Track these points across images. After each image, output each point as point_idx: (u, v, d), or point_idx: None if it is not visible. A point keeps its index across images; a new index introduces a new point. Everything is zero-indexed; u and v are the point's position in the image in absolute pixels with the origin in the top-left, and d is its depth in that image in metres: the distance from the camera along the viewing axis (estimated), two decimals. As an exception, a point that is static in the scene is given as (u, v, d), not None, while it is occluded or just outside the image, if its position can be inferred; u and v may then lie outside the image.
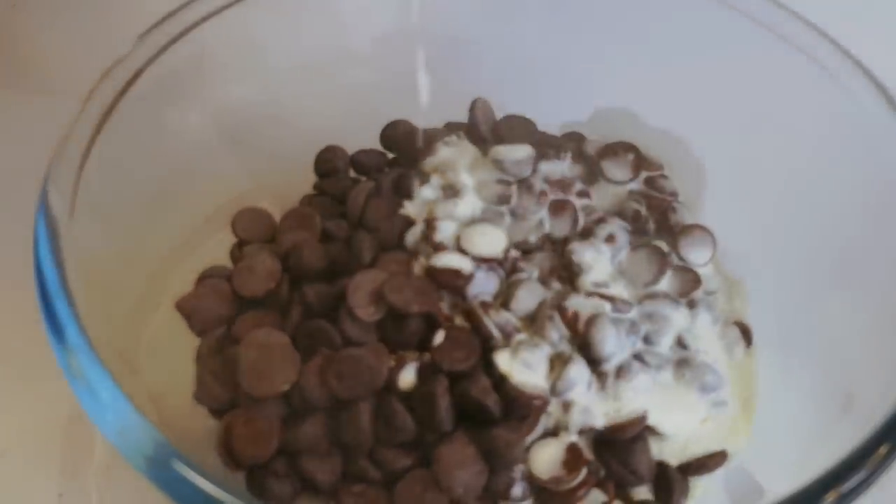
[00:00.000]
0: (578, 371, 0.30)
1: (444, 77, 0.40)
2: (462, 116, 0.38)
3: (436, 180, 0.35)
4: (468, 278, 0.32)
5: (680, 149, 0.38)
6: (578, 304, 0.32)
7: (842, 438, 0.26)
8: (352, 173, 0.39)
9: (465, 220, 0.34)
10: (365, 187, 0.35)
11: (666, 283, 0.34)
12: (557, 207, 0.35)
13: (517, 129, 0.38)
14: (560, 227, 0.35)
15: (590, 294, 0.32)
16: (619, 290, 0.33)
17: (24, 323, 0.28)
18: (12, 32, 0.50)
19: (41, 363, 0.27)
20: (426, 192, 0.35)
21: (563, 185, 0.36)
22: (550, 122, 0.39)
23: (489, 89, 0.38)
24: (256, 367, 0.29)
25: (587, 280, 0.33)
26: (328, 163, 0.38)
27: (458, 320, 0.31)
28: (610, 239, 0.34)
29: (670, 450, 0.31)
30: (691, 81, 0.38)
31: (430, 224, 0.33)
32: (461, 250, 0.32)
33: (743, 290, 0.36)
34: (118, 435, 0.24)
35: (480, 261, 0.32)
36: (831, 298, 0.34)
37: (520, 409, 0.30)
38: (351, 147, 0.39)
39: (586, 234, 0.34)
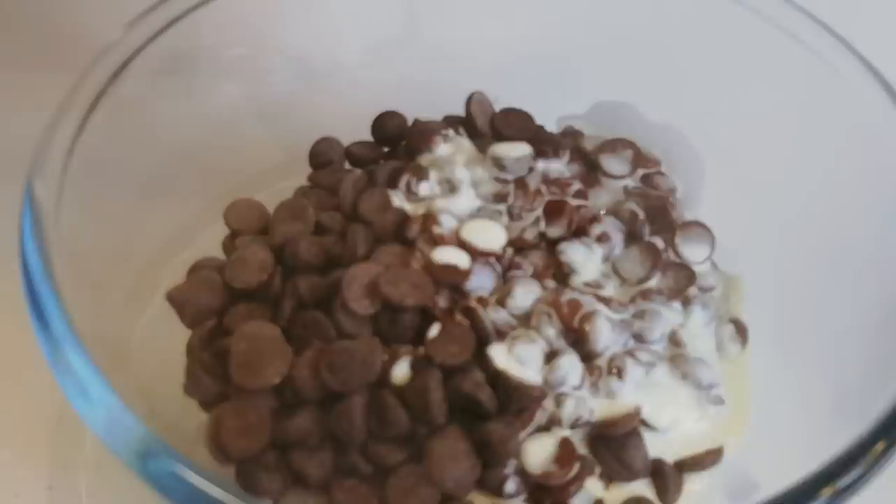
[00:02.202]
0: (570, 364, 0.30)
1: (441, 69, 0.40)
2: (460, 109, 0.38)
3: (433, 175, 0.35)
4: (466, 274, 0.31)
5: (678, 142, 0.38)
6: (575, 297, 0.32)
7: (838, 435, 0.26)
8: (347, 165, 0.38)
9: (462, 216, 0.34)
10: (354, 177, 0.35)
11: (660, 280, 0.34)
12: (554, 209, 0.34)
13: (514, 122, 0.37)
14: (555, 230, 0.34)
15: (583, 294, 0.32)
16: (611, 288, 0.33)
17: (13, 313, 0.28)
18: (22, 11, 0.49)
19: (31, 354, 0.26)
20: (423, 187, 0.35)
21: (560, 184, 0.35)
22: (548, 116, 0.39)
23: (486, 82, 0.38)
24: (247, 359, 0.29)
25: (578, 281, 0.33)
26: (323, 154, 0.38)
27: (459, 317, 0.31)
28: (603, 237, 0.34)
29: (665, 446, 0.31)
30: (690, 75, 0.38)
31: (431, 217, 0.33)
32: (461, 244, 0.32)
33: (740, 286, 0.36)
34: (106, 430, 0.24)
35: (479, 255, 0.32)
36: (828, 295, 0.34)
37: (518, 400, 0.29)
38: (346, 139, 0.39)
39: (580, 232, 0.34)
